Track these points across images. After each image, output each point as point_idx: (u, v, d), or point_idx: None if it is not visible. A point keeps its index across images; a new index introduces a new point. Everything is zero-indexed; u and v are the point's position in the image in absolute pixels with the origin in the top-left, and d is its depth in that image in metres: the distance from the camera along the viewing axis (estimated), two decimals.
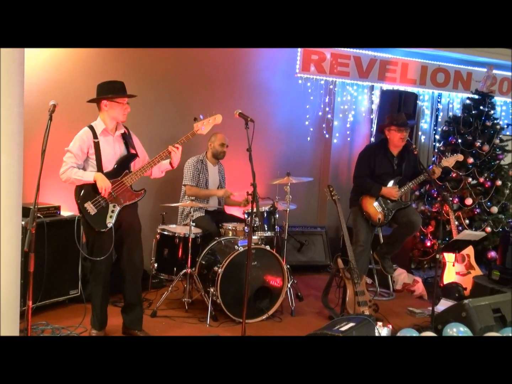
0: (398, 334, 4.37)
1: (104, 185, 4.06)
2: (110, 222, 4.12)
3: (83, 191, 4.11)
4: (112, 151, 4.21)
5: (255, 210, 4.05)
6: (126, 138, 4.31)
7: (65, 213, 5.02)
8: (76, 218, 4.69)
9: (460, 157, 5.83)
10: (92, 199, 4.09)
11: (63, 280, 4.92)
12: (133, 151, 4.31)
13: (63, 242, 4.87)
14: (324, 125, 7.27)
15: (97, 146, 4.12)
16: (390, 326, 4.46)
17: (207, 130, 4.31)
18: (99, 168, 4.14)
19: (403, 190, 5.57)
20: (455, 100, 8.03)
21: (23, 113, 2.58)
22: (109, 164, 4.17)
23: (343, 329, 3.84)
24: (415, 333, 4.34)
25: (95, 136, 4.13)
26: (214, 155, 5.89)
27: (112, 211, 4.13)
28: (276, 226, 5.26)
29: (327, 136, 7.32)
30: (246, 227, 5.21)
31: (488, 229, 6.69)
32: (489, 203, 6.86)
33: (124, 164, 4.23)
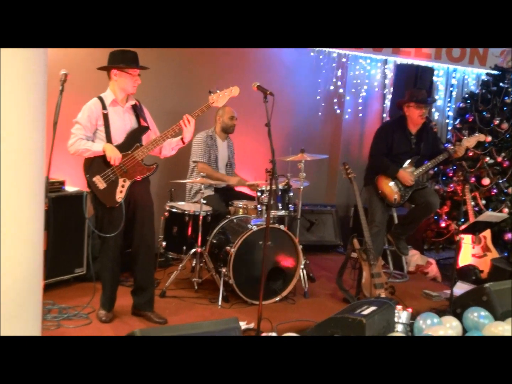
0: (418, 318, 4.21)
1: (114, 155, 3.86)
2: (121, 197, 3.91)
3: (92, 164, 3.91)
4: (122, 123, 4.00)
5: (274, 187, 3.86)
6: (137, 111, 4.10)
7: (69, 188, 4.81)
8: (84, 193, 4.48)
9: (481, 137, 5.63)
10: (101, 173, 3.89)
11: (68, 258, 4.73)
12: (144, 124, 4.09)
13: (68, 219, 4.67)
14: (335, 100, 7.02)
15: (106, 117, 3.93)
16: (410, 310, 4.30)
17: (223, 102, 4.12)
18: (109, 141, 3.94)
19: (420, 170, 5.39)
20: (470, 76, 7.75)
21: (46, 82, 2.33)
22: (118, 137, 3.97)
23: (365, 313, 3.69)
24: (436, 318, 4.17)
25: (104, 107, 3.93)
26: (224, 129, 5.66)
27: (123, 186, 3.93)
28: (289, 205, 5.06)
29: (338, 111, 7.07)
30: (259, 206, 5.00)
31: (506, 210, 6.48)
32: (506, 184, 6.64)
33: (135, 137, 4.01)
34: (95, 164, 3.90)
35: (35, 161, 2.27)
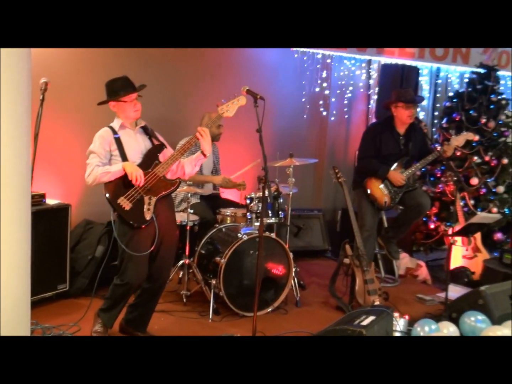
0: (416, 326, 4.09)
1: (134, 170, 3.66)
2: (149, 214, 3.72)
3: (113, 187, 3.70)
4: (136, 144, 3.84)
5: (266, 195, 3.73)
6: (148, 131, 3.94)
7: (50, 201, 4.59)
8: (69, 207, 4.29)
9: (470, 135, 5.50)
10: (124, 194, 3.68)
11: (50, 274, 4.51)
12: (158, 142, 3.93)
13: (49, 233, 4.48)
14: (321, 102, 6.89)
15: (118, 141, 3.77)
16: (407, 317, 4.20)
17: (233, 112, 3.92)
18: None
19: (410, 171, 5.28)
20: (453, 75, 7.69)
21: (31, 93, 2.17)
22: (135, 158, 3.80)
23: (364, 323, 3.55)
24: (433, 324, 4.06)
25: (114, 132, 3.78)
26: (210, 137, 5.48)
27: (149, 203, 3.74)
28: (279, 212, 4.90)
29: (324, 113, 6.94)
30: (248, 214, 4.84)
31: (494, 209, 6.42)
32: (494, 183, 6.58)
33: (152, 155, 3.84)
34: (116, 186, 3.70)
35: (21, 175, 2.11)
